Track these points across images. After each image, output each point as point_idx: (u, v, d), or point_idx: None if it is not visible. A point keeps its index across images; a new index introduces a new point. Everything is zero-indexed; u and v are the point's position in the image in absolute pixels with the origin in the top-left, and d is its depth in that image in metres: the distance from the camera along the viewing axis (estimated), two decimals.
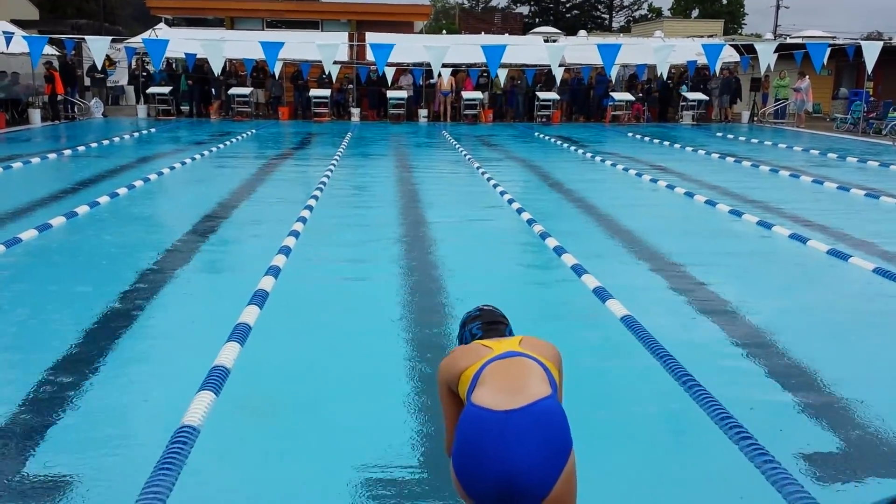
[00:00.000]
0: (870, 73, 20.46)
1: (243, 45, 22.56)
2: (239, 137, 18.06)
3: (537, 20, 56.38)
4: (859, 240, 7.67)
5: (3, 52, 20.94)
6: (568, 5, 62.04)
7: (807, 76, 23.12)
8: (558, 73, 22.83)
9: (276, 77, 24.05)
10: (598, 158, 14.80)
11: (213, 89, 24.28)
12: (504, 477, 1.85)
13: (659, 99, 25.73)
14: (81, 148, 15.33)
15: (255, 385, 4.04)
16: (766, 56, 21.09)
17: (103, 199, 9.30)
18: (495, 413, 1.93)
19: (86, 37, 22.95)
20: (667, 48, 22.03)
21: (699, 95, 24.94)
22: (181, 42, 22.41)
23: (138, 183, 10.72)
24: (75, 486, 3.03)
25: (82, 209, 8.61)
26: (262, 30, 28.34)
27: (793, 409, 3.84)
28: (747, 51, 24.37)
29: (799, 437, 3.53)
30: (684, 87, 25.29)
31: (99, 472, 3.14)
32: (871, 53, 19.29)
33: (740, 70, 25.02)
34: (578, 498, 2.00)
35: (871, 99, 22.59)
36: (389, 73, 23.07)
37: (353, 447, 3.34)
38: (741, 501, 3.01)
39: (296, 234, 7.48)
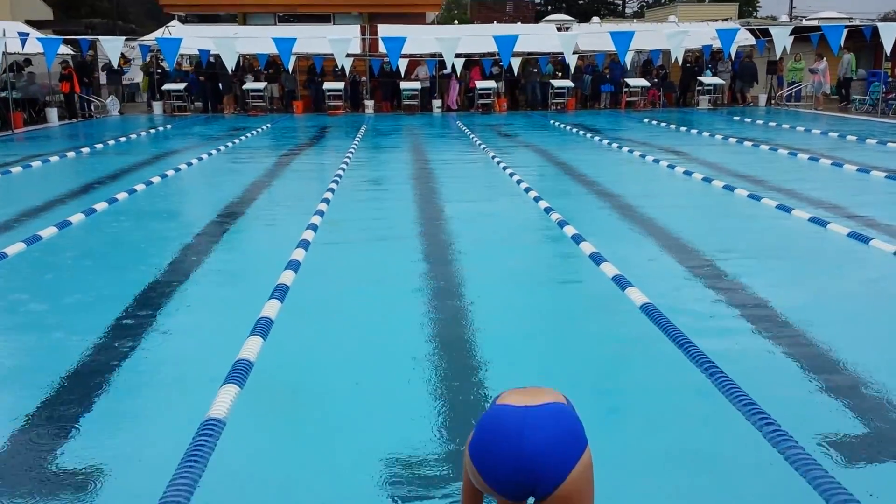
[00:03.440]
0: (888, 53, 20.18)
1: (256, 40, 22.62)
2: (254, 132, 18.14)
3: (549, 8, 56.04)
4: (880, 222, 7.59)
5: (19, 53, 21.12)
6: None
7: (824, 58, 22.87)
8: (572, 61, 22.71)
9: (290, 71, 24.11)
10: (614, 145, 14.74)
11: (220, 84, 24.32)
12: (522, 461, 1.90)
13: (679, 84, 25.56)
14: (99, 146, 15.46)
15: (279, 378, 4.07)
16: (782, 39, 20.86)
17: (121, 196, 9.38)
18: (515, 407, 2.00)
19: (100, 37, 23.09)
20: (681, 34, 21.84)
21: (715, 80, 24.74)
22: (194, 39, 22.49)
23: (156, 179, 10.80)
24: (101, 477, 3.07)
25: (101, 206, 8.69)
26: (275, 24, 28.36)
27: (815, 394, 3.82)
28: (763, 34, 24.14)
29: (822, 421, 3.51)
30: (707, 71, 25.05)
31: (126, 463, 3.18)
32: (889, 34, 19.02)
33: (756, 54, 24.78)
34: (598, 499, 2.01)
35: (890, 80, 22.30)
36: (403, 64, 23.06)
37: (377, 437, 3.36)
38: (765, 487, 3.01)
39: (314, 227, 7.51)
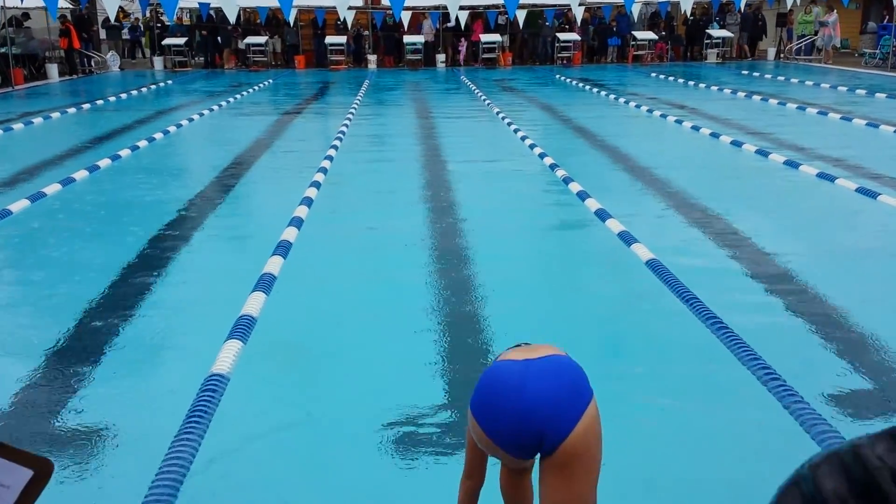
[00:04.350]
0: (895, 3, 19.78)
1: None
2: (256, 88, 17.96)
3: None
4: (889, 177, 7.51)
5: (17, 7, 20.82)
6: None
7: (834, 10, 22.44)
8: (578, 13, 22.34)
9: (292, 25, 23.77)
10: (621, 100, 14.56)
11: (219, 38, 24.01)
12: (525, 414, 1.84)
13: (685, 36, 25.16)
14: (100, 102, 15.33)
15: (282, 334, 4.07)
16: None
17: (124, 153, 9.32)
18: (516, 361, 1.94)
19: None
20: None
21: (724, 33, 24.34)
22: None
23: (158, 136, 10.72)
24: (107, 434, 3.08)
25: (104, 162, 8.64)
26: None
27: (821, 349, 3.81)
28: None
29: (828, 377, 3.50)
30: (715, 24, 24.64)
31: (131, 420, 3.19)
32: None
33: (766, 5, 24.34)
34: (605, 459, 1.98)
35: None
36: (406, 18, 22.70)
37: (379, 393, 3.36)
38: (769, 440, 3.00)
39: (317, 184, 7.46)
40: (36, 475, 0.76)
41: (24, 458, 0.77)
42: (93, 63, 23.07)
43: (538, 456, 1.92)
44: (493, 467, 2.21)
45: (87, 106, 14.64)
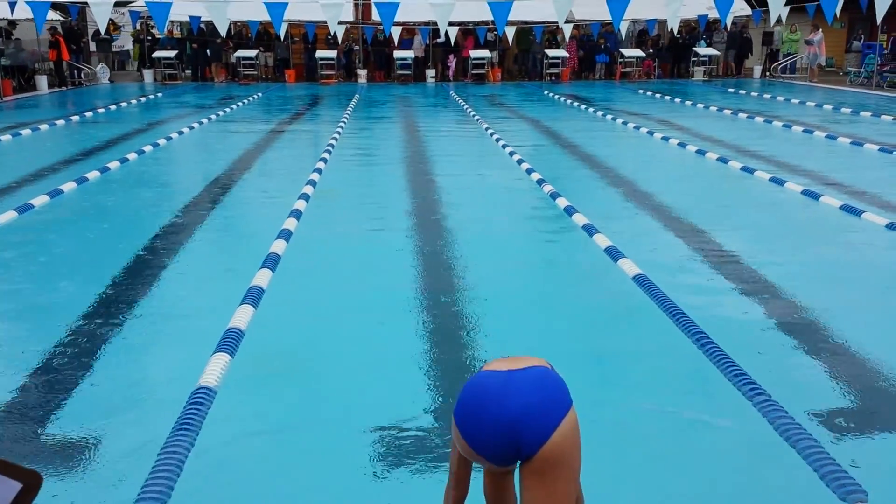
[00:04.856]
0: (878, 23, 20.04)
1: (248, 6, 22.31)
2: (245, 101, 17.97)
3: None
4: (873, 195, 7.60)
5: (6, 19, 20.79)
6: None
7: (820, 29, 22.72)
8: (567, 30, 22.51)
9: (282, 39, 23.84)
10: (608, 117, 14.67)
11: (208, 51, 24.02)
12: (505, 422, 1.88)
13: (672, 54, 25.38)
14: (89, 114, 15.30)
15: (270, 347, 4.06)
16: (777, 8, 20.68)
17: (113, 165, 9.30)
18: (499, 372, 1.99)
19: (89, 1, 22.74)
20: (677, 2, 21.63)
21: (711, 51, 24.58)
22: (185, 5, 22.19)
23: (147, 148, 10.70)
24: (92, 446, 3.07)
25: (93, 175, 8.62)
26: None
27: (806, 365, 3.84)
28: (759, 4, 23.93)
29: (814, 391, 3.53)
30: (702, 42, 24.88)
31: (116, 432, 3.18)
32: (882, 4, 18.86)
33: (752, 24, 24.60)
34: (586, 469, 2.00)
35: (885, 52, 22.20)
36: (396, 33, 22.81)
37: (368, 406, 3.36)
38: (753, 457, 3.03)
39: (306, 197, 7.47)
40: (24, 488, 0.75)
41: (13, 471, 0.76)
42: (82, 75, 23.03)
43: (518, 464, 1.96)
44: (478, 474, 2.23)
45: (76, 118, 14.61)
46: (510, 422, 1.88)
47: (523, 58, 25.39)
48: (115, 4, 22.53)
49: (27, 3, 20.02)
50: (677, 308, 4.32)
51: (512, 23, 22.22)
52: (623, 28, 22.31)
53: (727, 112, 15.32)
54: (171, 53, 23.75)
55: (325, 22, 21.38)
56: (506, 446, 1.90)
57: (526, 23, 23.90)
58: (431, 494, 2.41)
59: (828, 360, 3.87)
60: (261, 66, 24.55)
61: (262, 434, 3.20)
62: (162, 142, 11.39)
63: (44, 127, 13.07)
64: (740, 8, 23.85)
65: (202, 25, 22.82)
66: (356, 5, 24.41)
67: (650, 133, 12.25)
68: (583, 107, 16.64)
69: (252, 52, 23.91)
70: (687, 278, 5.18)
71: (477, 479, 2.21)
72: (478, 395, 1.97)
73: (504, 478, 2.20)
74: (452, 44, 23.85)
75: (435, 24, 21.76)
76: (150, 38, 24.78)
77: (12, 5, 19.52)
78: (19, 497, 0.75)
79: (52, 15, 22.01)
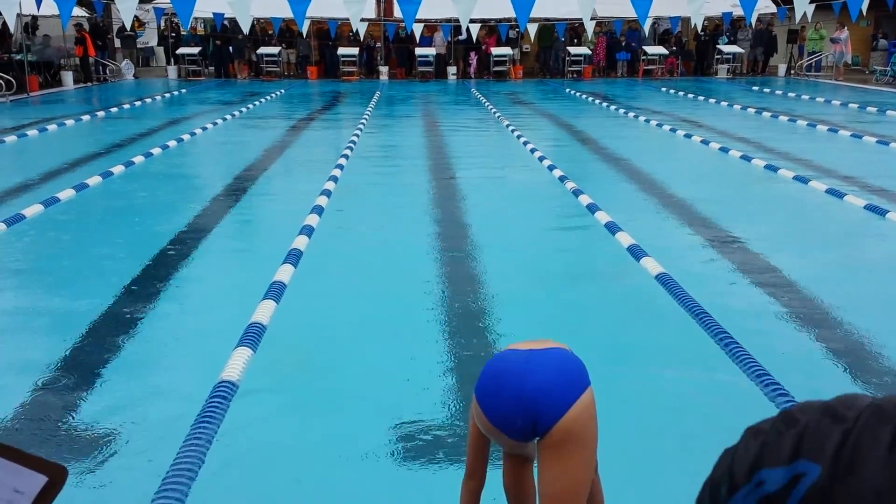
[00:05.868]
0: None
1: (271, 3, 22.41)
2: (268, 98, 18.08)
3: None
4: None
5: (33, 14, 21.05)
6: None
7: (846, 27, 22.45)
8: (590, 27, 22.39)
9: (304, 36, 23.94)
10: (630, 114, 14.59)
11: (230, 48, 24.16)
12: (524, 397, 1.95)
13: (696, 51, 25.19)
14: (115, 109, 15.46)
15: (291, 341, 4.09)
16: (802, 5, 20.45)
17: (138, 160, 9.40)
18: (520, 351, 2.07)
19: None
20: None
21: (735, 48, 24.37)
22: (209, 1, 22.33)
23: (172, 143, 10.80)
24: (116, 437, 3.11)
25: (118, 169, 8.72)
26: None
27: (831, 366, 3.81)
28: (784, 1, 23.68)
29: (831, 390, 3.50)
30: (724, 38, 24.68)
31: (139, 424, 3.22)
32: None
33: (777, 21, 24.36)
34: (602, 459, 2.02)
35: None
36: (418, 30, 22.83)
37: (384, 400, 3.38)
38: None
39: (328, 193, 7.50)
40: (50, 481, 0.76)
41: (39, 465, 0.76)
42: (107, 71, 23.27)
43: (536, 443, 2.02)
44: (496, 469, 2.25)
45: (101, 113, 14.78)
46: (528, 397, 1.95)
47: (545, 55, 25.31)
48: (140, 1, 22.77)
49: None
50: (699, 305, 4.29)
51: (534, 20, 22.14)
52: (647, 24, 22.15)
53: (751, 110, 15.18)
54: (195, 50, 23.93)
55: (348, 19, 21.42)
56: (523, 421, 1.96)
57: (548, 20, 23.81)
58: (448, 486, 2.43)
59: (852, 363, 3.84)
60: (283, 62, 24.66)
61: (281, 425, 3.23)
62: (186, 137, 11.49)
63: (70, 122, 13.23)
64: (765, 5, 23.61)
65: (226, 22, 22.96)
66: (378, 2, 24.45)
67: (672, 130, 12.17)
68: (606, 105, 16.56)
69: (275, 49, 24.04)
70: (708, 277, 5.15)
71: (494, 475, 2.22)
72: (499, 371, 2.05)
73: (523, 470, 2.24)
74: (474, 41, 23.83)
75: (457, 20, 21.72)
76: (174, 34, 24.97)
77: (38, 2, 19.76)
78: (45, 490, 0.76)
79: (78, 11, 22.25)
